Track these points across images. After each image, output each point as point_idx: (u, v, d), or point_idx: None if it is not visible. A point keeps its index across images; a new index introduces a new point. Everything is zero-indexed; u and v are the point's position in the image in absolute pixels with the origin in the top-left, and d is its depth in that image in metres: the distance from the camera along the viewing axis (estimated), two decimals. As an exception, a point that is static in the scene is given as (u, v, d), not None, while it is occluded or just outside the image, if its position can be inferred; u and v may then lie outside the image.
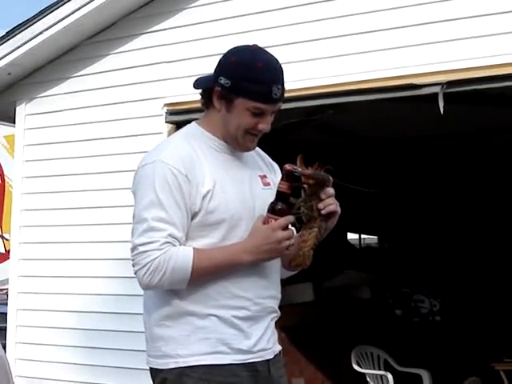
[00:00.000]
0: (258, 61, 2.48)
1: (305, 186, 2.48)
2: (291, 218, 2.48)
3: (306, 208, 2.49)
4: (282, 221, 2.45)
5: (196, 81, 2.61)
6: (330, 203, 2.50)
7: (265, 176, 2.66)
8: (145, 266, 2.41)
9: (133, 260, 2.46)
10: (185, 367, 2.46)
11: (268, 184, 2.63)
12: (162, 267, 2.40)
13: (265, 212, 2.48)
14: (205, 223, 2.47)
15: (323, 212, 2.50)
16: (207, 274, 2.45)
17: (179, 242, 2.44)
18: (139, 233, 2.44)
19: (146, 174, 2.50)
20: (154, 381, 2.57)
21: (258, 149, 2.70)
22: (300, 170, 2.44)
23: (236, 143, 2.56)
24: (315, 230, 2.51)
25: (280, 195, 2.46)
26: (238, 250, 2.47)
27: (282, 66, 2.54)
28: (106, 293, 6.10)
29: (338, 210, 2.53)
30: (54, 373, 6.29)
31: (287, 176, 2.44)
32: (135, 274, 2.46)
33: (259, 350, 2.53)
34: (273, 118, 2.56)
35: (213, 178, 2.49)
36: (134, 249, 2.45)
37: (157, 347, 2.52)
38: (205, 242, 2.48)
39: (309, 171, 2.46)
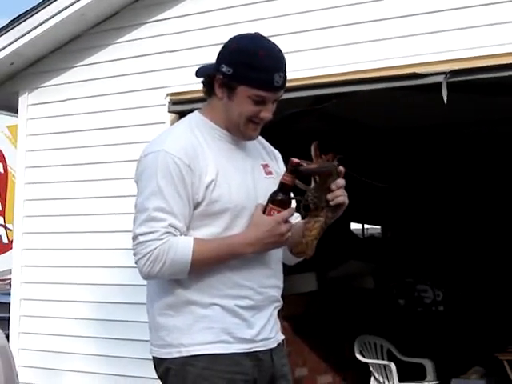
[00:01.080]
0: (260, 48, 2.47)
1: (315, 176, 2.47)
2: (293, 210, 2.48)
3: (315, 197, 2.47)
4: (286, 213, 2.45)
5: (198, 70, 2.60)
6: (338, 195, 2.48)
7: (267, 165, 2.65)
8: (145, 255, 2.41)
9: (134, 249, 2.46)
10: (188, 356, 2.45)
11: (270, 173, 2.63)
12: (161, 257, 2.39)
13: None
14: (208, 212, 2.46)
15: (332, 203, 2.48)
16: (208, 264, 2.45)
17: (180, 231, 2.43)
18: (140, 222, 2.44)
19: (148, 164, 2.49)
20: (157, 370, 2.56)
21: (259, 137, 2.68)
22: (305, 165, 2.43)
23: (238, 131, 2.55)
24: (321, 219, 2.49)
25: (283, 186, 2.46)
26: (240, 241, 2.46)
27: (285, 55, 2.53)
28: (109, 283, 6.11)
29: (346, 201, 2.52)
30: (57, 363, 6.30)
31: (292, 169, 2.43)
32: (136, 263, 2.46)
33: (262, 339, 2.53)
34: (275, 107, 2.54)
35: (216, 168, 2.48)
36: (134, 238, 2.45)
37: (160, 336, 2.52)
38: (208, 231, 2.47)
39: (314, 166, 2.44)
